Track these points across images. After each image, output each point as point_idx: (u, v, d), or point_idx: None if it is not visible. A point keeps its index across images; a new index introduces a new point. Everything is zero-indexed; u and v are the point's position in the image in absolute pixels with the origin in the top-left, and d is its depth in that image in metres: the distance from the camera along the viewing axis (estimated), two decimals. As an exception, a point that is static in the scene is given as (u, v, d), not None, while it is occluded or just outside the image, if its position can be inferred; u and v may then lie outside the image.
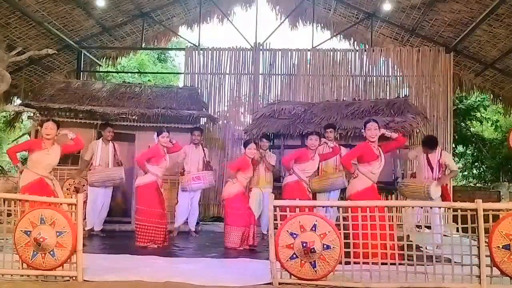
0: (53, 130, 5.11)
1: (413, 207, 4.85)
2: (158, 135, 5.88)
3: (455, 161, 11.64)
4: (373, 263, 3.63)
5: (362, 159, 4.94)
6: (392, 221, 3.94)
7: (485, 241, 3.45)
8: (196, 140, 6.96)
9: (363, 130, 5.03)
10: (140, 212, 5.69)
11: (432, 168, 5.78)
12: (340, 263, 3.58)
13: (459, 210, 3.62)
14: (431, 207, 4.95)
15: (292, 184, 5.85)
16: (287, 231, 3.60)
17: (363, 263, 3.63)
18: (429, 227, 5.65)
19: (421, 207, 5.11)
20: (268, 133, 7.33)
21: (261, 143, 6.87)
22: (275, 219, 3.72)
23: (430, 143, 5.91)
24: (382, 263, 3.63)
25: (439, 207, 4.86)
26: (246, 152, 5.93)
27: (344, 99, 8.83)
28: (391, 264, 3.61)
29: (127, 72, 14.27)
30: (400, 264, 3.61)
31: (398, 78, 9.48)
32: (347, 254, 3.64)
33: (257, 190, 6.52)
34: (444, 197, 5.63)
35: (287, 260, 3.57)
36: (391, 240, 3.84)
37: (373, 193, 4.84)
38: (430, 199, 5.37)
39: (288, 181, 5.91)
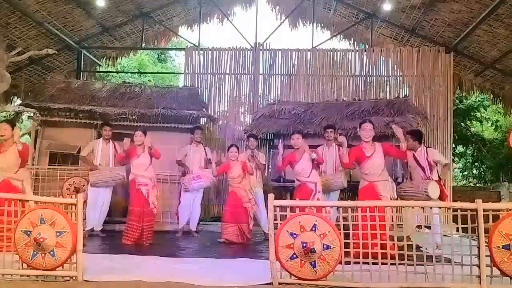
0: (7, 131, 4.92)
1: (413, 207, 4.86)
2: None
3: (454, 161, 11.69)
4: (373, 263, 3.63)
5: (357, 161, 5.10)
6: (393, 220, 3.94)
7: (485, 241, 3.45)
8: (198, 139, 6.96)
9: (358, 129, 5.16)
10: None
11: (422, 168, 5.69)
12: (340, 263, 3.58)
13: (459, 210, 3.62)
14: (430, 207, 4.95)
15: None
16: (287, 231, 3.59)
17: (363, 263, 3.63)
18: (429, 227, 5.63)
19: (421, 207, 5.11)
20: (255, 133, 7.43)
21: (249, 142, 6.89)
22: (275, 219, 3.72)
23: (413, 134, 5.87)
24: (382, 263, 3.63)
25: (439, 207, 4.87)
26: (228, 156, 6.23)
27: (344, 99, 8.84)
28: (391, 264, 3.61)
29: (127, 72, 14.27)
30: (400, 264, 3.61)
31: (398, 78, 9.48)
32: (347, 254, 3.64)
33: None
34: (440, 196, 5.58)
35: (287, 260, 3.57)
36: (390, 240, 3.85)
37: (369, 192, 4.90)
38: (431, 200, 5.35)
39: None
